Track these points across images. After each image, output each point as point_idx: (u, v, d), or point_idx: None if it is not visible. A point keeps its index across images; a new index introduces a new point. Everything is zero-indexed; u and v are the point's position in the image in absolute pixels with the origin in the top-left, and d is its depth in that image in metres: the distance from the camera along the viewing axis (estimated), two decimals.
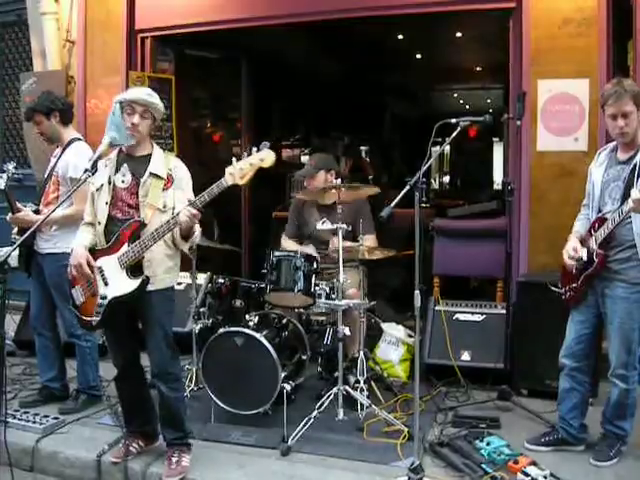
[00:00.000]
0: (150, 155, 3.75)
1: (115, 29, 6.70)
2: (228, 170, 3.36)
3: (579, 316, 3.86)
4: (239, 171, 3.33)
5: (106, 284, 3.66)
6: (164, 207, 3.63)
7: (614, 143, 3.79)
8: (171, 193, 3.67)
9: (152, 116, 3.73)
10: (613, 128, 3.65)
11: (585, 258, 3.71)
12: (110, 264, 3.64)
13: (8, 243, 4.60)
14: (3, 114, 7.84)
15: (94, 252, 3.71)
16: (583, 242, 3.76)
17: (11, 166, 4.54)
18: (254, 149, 3.39)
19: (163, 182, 3.67)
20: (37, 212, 4.57)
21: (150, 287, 3.62)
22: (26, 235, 3.59)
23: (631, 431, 3.83)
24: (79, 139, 4.71)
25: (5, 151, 7.91)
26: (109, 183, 3.73)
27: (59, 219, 4.44)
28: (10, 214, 4.52)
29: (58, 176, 4.55)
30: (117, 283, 3.62)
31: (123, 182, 3.71)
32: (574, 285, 3.82)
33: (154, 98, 3.73)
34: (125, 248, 3.59)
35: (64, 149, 4.62)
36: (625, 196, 3.50)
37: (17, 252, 4.59)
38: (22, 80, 7.07)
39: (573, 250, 3.77)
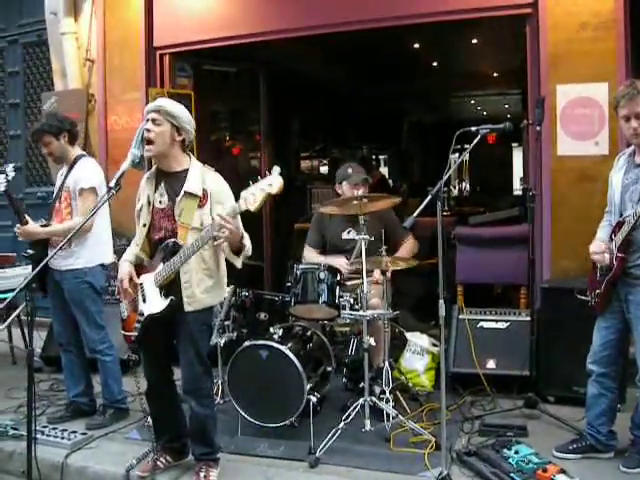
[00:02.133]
0: (186, 171, 3.71)
1: (134, 47, 6.79)
2: (242, 194, 3.32)
3: (604, 322, 3.83)
4: (251, 196, 3.28)
5: (144, 301, 3.70)
6: (201, 225, 3.58)
7: (632, 147, 3.77)
8: (207, 210, 3.62)
9: (170, 124, 3.64)
10: (627, 130, 3.64)
11: (607, 263, 3.70)
12: (149, 282, 3.68)
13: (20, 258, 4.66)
14: (26, 134, 7.94)
15: (141, 267, 3.76)
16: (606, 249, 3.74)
17: (9, 168, 4.57)
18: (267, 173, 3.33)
19: (198, 200, 3.62)
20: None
21: (189, 308, 3.62)
22: (52, 255, 3.64)
23: None
24: (84, 155, 4.79)
25: (28, 169, 8.01)
26: (148, 204, 3.74)
27: (60, 231, 4.50)
28: (18, 225, 4.58)
29: (69, 191, 4.61)
30: (152, 301, 3.66)
31: (160, 203, 3.72)
32: (598, 291, 3.80)
33: (167, 102, 3.72)
34: (160, 267, 3.62)
35: (71, 166, 4.68)
36: None
37: (26, 271, 4.66)
38: (44, 100, 7.19)
39: (597, 247, 3.76)
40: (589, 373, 3.90)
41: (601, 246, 3.75)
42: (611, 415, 3.89)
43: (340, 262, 4.94)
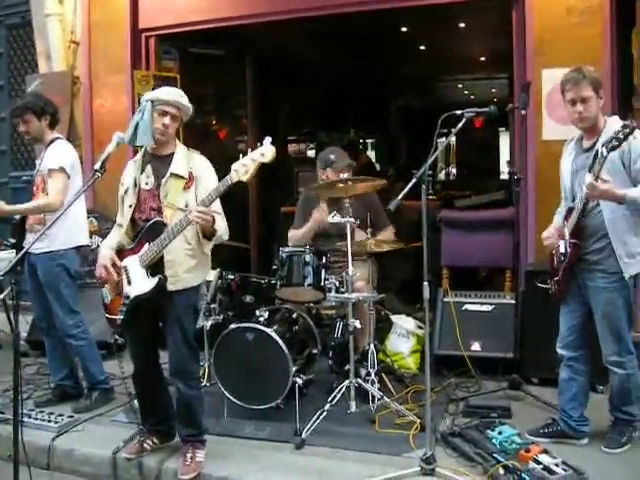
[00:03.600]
0: (172, 154, 3.77)
1: (119, 29, 6.73)
2: (233, 167, 3.37)
3: (567, 307, 3.88)
4: (242, 167, 3.33)
5: (129, 283, 3.71)
6: (185, 206, 3.63)
7: (580, 132, 3.81)
8: (192, 192, 3.69)
9: (181, 119, 3.78)
10: (572, 114, 3.67)
11: (562, 250, 3.74)
12: (134, 263, 3.69)
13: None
14: (10, 117, 7.85)
15: (122, 251, 3.76)
16: (561, 235, 3.79)
17: None
18: (258, 144, 3.38)
19: (184, 182, 3.68)
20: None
21: (171, 287, 3.65)
22: (36, 239, 3.64)
23: None
24: (59, 138, 4.76)
25: (13, 153, 7.94)
26: (135, 185, 3.77)
27: (31, 209, 4.55)
28: None
29: (43, 175, 4.61)
30: (138, 282, 3.66)
31: (147, 184, 3.76)
32: (556, 279, 3.84)
33: (184, 98, 3.77)
34: (146, 247, 3.63)
35: (46, 149, 4.68)
36: None
37: (11, 255, 4.66)
38: (28, 82, 7.12)
39: (547, 232, 3.86)
40: (560, 358, 3.95)
41: (550, 231, 3.83)
42: (582, 399, 3.92)
43: (314, 216, 4.99)
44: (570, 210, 3.71)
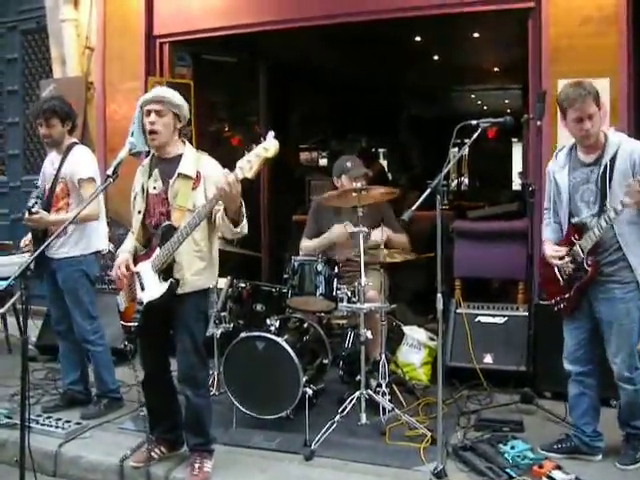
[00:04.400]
0: (180, 156, 3.74)
1: (133, 35, 6.74)
2: (237, 164, 3.31)
3: (573, 323, 3.82)
4: (246, 164, 3.28)
5: (142, 289, 3.69)
6: (194, 207, 3.60)
7: (571, 143, 3.76)
8: (201, 192, 3.64)
9: (173, 113, 3.70)
10: (578, 131, 3.60)
11: (572, 268, 3.68)
12: (146, 269, 3.67)
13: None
14: (24, 121, 7.90)
15: (135, 257, 3.75)
16: (567, 252, 3.72)
17: (35, 193, 4.64)
18: (261, 139, 3.33)
19: (192, 182, 3.65)
20: None
21: (179, 290, 3.62)
22: (50, 240, 3.62)
23: None
24: (77, 143, 4.75)
25: (26, 157, 7.97)
26: (142, 191, 3.76)
27: (73, 220, 4.50)
28: (26, 214, 4.53)
29: (66, 181, 4.58)
30: (151, 287, 3.65)
31: (155, 188, 3.74)
32: (566, 296, 3.76)
33: (168, 92, 3.73)
34: (157, 252, 3.61)
35: (65, 155, 4.64)
36: (602, 199, 3.51)
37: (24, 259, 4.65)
38: (42, 87, 7.14)
39: (556, 252, 3.74)
40: (568, 374, 3.89)
41: (558, 249, 3.74)
42: (594, 414, 3.86)
43: (336, 231, 4.95)
44: (579, 227, 3.65)
